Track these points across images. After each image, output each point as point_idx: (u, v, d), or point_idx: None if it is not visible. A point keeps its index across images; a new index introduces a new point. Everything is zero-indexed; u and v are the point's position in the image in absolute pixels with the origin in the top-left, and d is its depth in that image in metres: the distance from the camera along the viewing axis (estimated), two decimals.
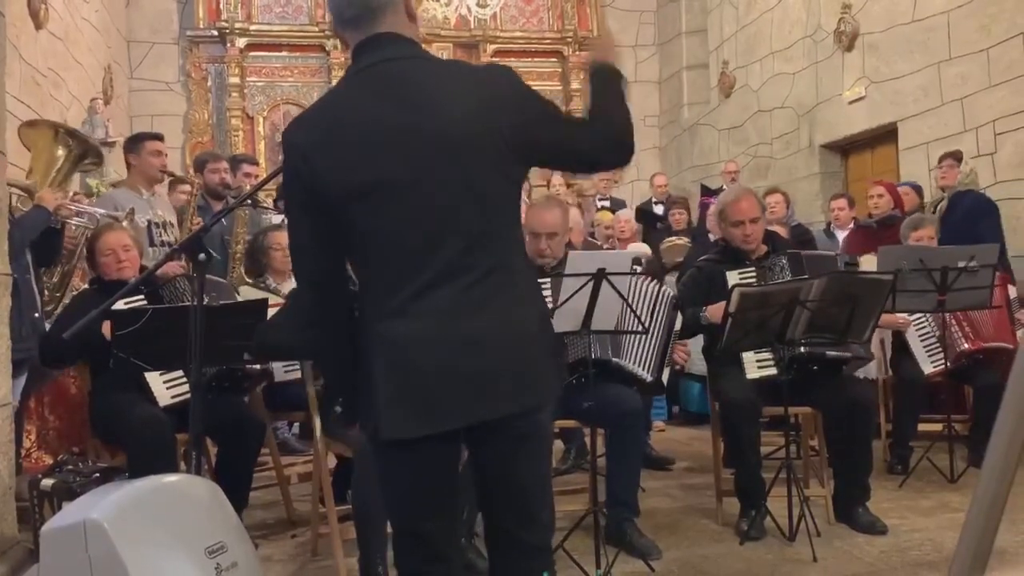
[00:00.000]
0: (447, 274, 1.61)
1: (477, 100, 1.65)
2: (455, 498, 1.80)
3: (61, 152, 4.23)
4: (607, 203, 7.82)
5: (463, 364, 1.61)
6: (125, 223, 3.93)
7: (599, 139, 1.74)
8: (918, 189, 6.13)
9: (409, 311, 1.61)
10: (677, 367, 3.53)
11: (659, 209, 7.75)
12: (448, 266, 1.61)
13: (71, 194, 4.93)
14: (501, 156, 1.65)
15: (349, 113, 1.64)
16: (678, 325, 3.39)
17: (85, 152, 4.36)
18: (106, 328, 3.01)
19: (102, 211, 4.24)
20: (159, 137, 4.60)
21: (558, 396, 1.87)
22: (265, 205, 5.68)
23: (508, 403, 1.65)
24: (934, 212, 5.51)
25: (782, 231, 4.81)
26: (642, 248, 6.04)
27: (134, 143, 4.55)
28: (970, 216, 5.32)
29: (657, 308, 3.26)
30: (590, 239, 5.84)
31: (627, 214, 6.74)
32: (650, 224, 7.45)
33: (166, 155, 4.56)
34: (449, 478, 1.73)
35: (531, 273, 1.80)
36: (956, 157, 5.66)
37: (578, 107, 9.59)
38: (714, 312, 3.36)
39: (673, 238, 6.33)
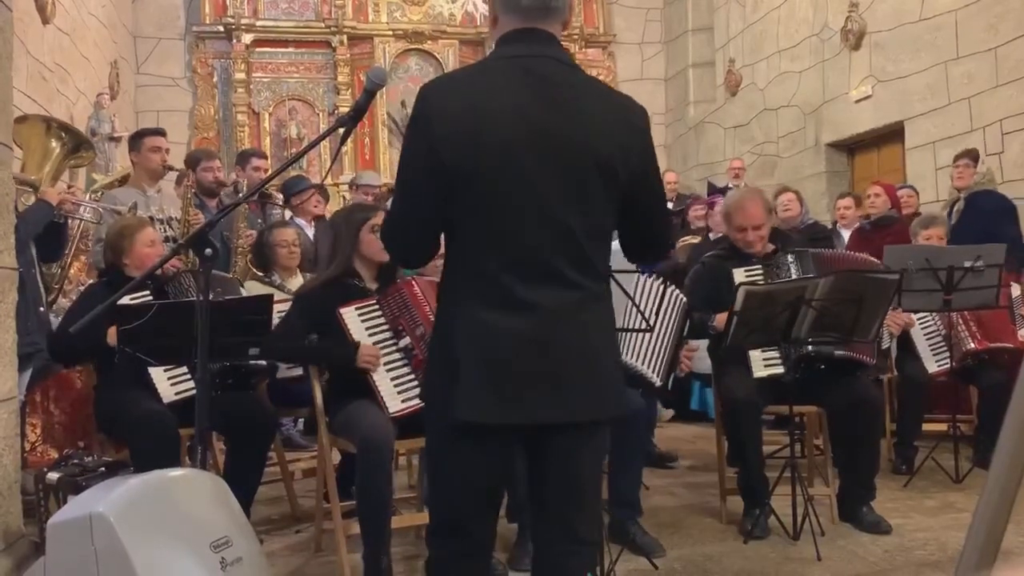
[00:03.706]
0: (550, 279, 1.65)
1: (614, 127, 1.70)
2: (501, 497, 1.84)
3: (54, 145, 4.25)
4: None
5: (554, 367, 1.65)
6: None
7: (666, 237, 1.94)
8: (915, 191, 6.14)
9: (509, 304, 1.64)
10: (681, 374, 3.51)
11: (669, 207, 7.72)
12: (558, 273, 1.65)
13: (68, 187, 4.97)
14: (618, 184, 1.70)
15: (493, 93, 1.66)
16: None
17: (78, 145, 4.37)
18: (111, 335, 3.03)
19: (105, 206, 4.26)
20: (160, 132, 4.60)
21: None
22: (276, 202, 5.67)
23: (588, 410, 1.71)
24: (949, 212, 5.45)
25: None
26: None
27: (134, 141, 4.57)
28: (990, 216, 5.23)
29: (664, 309, 3.23)
30: None
31: None
32: None
33: (167, 149, 4.56)
34: (504, 476, 1.78)
35: (611, 304, 1.85)
36: (972, 156, 5.55)
37: None
38: (723, 321, 3.34)
39: (688, 237, 6.26)
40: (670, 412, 5.93)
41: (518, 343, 1.64)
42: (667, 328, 3.25)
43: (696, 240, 6.10)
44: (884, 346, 3.87)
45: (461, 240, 1.70)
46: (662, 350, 3.26)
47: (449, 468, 1.76)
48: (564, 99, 1.66)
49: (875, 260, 3.85)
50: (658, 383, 3.26)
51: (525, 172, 1.63)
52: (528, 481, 1.82)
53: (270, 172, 5.26)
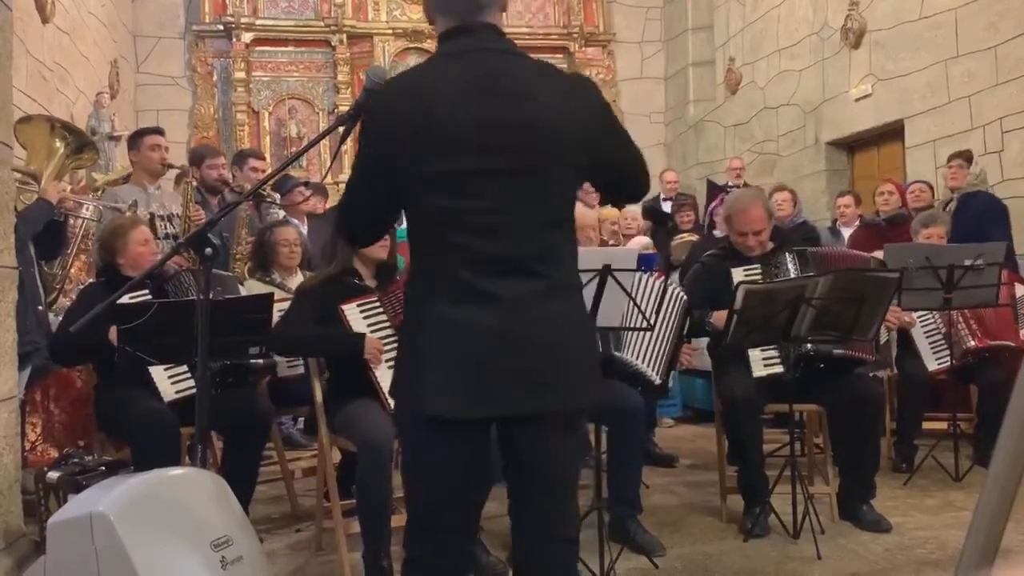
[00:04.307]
0: (517, 272, 1.65)
1: (568, 107, 1.69)
2: (479, 491, 1.81)
3: (58, 145, 4.25)
4: None
5: (520, 358, 1.64)
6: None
7: (645, 172, 1.88)
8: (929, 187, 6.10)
9: (476, 299, 1.63)
10: (682, 368, 3.52)
11: (667, 206, 7.69)
12: (519, 264, 1.65)
13: (81, 182, 4.96)
14: (580, 164, 1.71)
15: (444, 95, 1.64)
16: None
17: (82, 146, 4.37)
18: (112, 336, 3.03)
19: (105, 204, 4.26)
20: (158, 131, 4.63)
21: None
22: (271, 200, 5.65)
23: (556, 400, 1.69)
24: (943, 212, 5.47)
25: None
26: (644, 240, 6.01)
27: (134, 140, 4.59)
28: (981, 217, 5.25)
29: (665, 308, 3.23)
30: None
31: (634, 210, 6.71)
32: (657, 222, 7.40)
33: (166, 148, 4.57)
34: (480, 468, 1.75)
35: (580, 290, 1.84)
36: (966, 157, 5.59)
37: None
38: (720, 319, 3.35)
39: (684, 235, 6.32)
40: (670, 422, 5.94)
41: (487, 336, 1.63)
42: (667, 327, 3.26)
43: (693, 238, 6.14)
44: (882, 340, 3.86)
45: (425, 236, 1.69)
46: (662, 348, 3.27)
47: (424, 464, 1.74)
48: (517, 90, 1.66)
49: (874, 258, 3.85)
50: (658, 381, 3.27)
51: (485, 166, 1.62)
52: (508, 475, 1.80)
53: (268, 172, 5.23)
